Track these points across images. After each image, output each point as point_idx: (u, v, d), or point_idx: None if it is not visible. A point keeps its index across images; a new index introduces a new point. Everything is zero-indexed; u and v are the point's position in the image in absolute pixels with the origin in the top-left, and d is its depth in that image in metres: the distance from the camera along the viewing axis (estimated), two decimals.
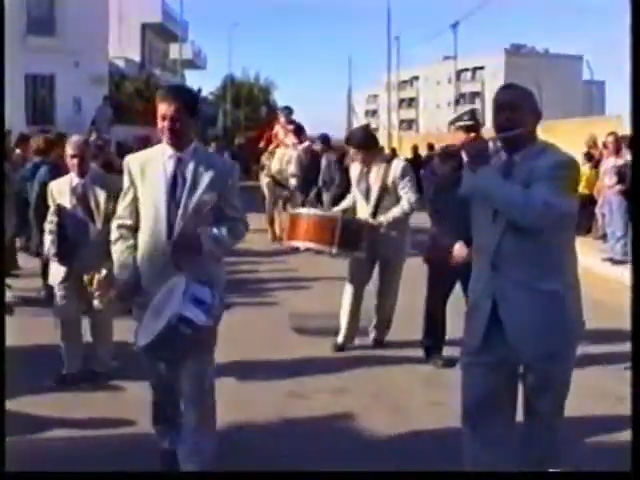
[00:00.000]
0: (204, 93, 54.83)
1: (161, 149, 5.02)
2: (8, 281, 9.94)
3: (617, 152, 14.44)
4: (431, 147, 29.68)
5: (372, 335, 8.43)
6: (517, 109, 4.27)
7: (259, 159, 18.03)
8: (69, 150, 7.01)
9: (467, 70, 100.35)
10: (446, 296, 7.56)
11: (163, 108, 4.79)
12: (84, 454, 5.47)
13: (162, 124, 4.81)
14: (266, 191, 16.59)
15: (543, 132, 4.95)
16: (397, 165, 8.16)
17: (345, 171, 13.77)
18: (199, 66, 62.89)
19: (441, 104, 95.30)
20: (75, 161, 6.95)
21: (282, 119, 16.81)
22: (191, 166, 4.93)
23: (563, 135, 16.30)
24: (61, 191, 7.03)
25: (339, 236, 7.66)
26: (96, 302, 7.09)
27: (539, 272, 4.21)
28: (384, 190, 8.07)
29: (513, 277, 4.25)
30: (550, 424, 4.42)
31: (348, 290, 8.24)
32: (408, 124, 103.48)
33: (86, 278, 7.05)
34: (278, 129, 16.84)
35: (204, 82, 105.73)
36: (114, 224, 5.17)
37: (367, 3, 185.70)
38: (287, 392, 6.87)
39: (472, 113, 6.90)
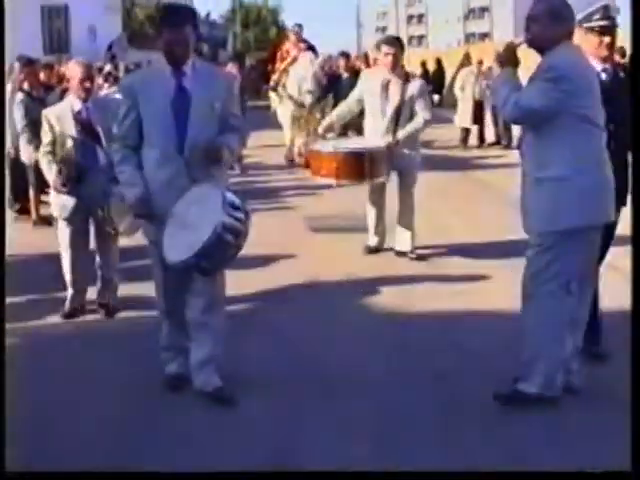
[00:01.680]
0: (213, 16, 54.79)
1: (159, 67, 5.15)
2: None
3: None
4: (439, 62, 29.74)
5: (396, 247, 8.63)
6: (536, 20, 4.90)
7: (269, 79, 17.42)
8: (74, 73, 6.71)
9: None
10: None
11: (167, 33, 4.92)
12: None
13: (167, 48, 4.93)
14: (282, 110, 15.92)
15: None
16: (415, 84, 8.41)
17: None
18: None
19: (450, 19, 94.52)
20: (82, 84, 6.66)
21: (293, 37, 16.23)
22: (192, 79, 5.03)
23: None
24: (60, 117, 6.68)
25: (369, 169, 7.86)
26: (122, 228, 6.50)
27: (536, 164, 4.90)
28: (401, 105, 8.23)
29: (524, 169, 5.04)
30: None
31: (370, 198, 8.67)
32: (418, 40, 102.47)
33: (103, 210, 6.54)
34: (289, 47, 16.08)
35: (213, 5, 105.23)
36: (116, 145, 5.23)
37: None
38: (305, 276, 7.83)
39: (605, 10, 5.61)
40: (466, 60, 20.18)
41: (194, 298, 5.19)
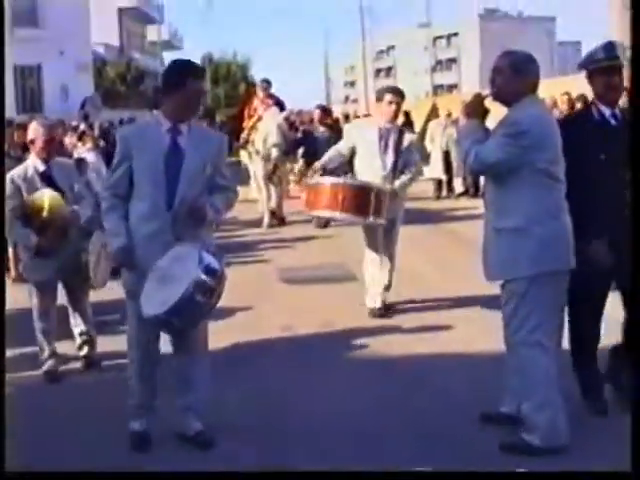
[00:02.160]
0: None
1: (156, 121, 5.28)
2: None
3: (571, 109, 15.32)
4: (407, 114, 29.91)
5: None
6: (500, 72, 5.06)
7: (239, 136, 17.31)
8: (37, 134, 6.73)
9: (442, 37, 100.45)
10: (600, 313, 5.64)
11: (192, 84, 5.07)
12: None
13: (191, 99, 5.10)
14: (254, 169, 15.93)
15: None
16: (409, 135, 8.57)
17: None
18: (176, 47, 63.10)
19: (418, 71, 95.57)
20: (46, 145, 6.71)
21: (260, 93, 16.00)
22: (187, 137, 5.14)
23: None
24: (27, 179, 6.66)
25: (374, 205, 7.67)
26: (97, 277, 6.79)
27: (496, 213, 5.08)
28: (398, 156, 8.25)
29: (486, 218, 5.21)
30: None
31: (369, 256, 8.41)
32: None
33: (91, 259, 6.75)
34: (257, 103, 15.91)
35: None
36: (106, 193, 5.26)
37: None
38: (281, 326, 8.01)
39: (609, 48, 5.37)
40: (433, 111, 20.51)
41: (176, 349, 5.32)
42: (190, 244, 5.03)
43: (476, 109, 5.25)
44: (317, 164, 8.50)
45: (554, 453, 4.85)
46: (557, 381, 5.02)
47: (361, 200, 7.68)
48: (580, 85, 17.45)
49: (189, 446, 5.26)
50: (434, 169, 19.01)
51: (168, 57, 61.10)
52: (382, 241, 8.37)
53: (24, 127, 13.39)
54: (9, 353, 7.06)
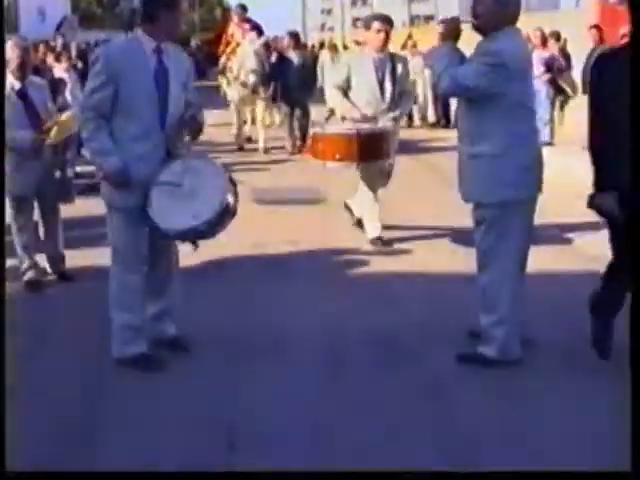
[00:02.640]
0: None
1: (137, 41, 5.32)
2: None
3: (543, 45, 15.52)
4: None
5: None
6: (481, 2, 5.19)
7: (215, 60, 17.82)
8: (13, 54, 6.93)
9: None
10: None
11: (173, 11, 5.22)
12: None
13: (173, 25, 5.26)
14: (231, 94, 15.94)
15: None
16: (401, 62, 8.36)
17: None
18: None
19: (395, 1, 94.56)
20: (21, 65, 6.97)
21: (236, 18, 16.18)
22: (168, 58, 5.27)
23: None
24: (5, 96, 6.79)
25: (386, 148, 7.85)
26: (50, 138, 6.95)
27: (472, 140, 5.27)
28: (394, 85, 8.20)
29: (460, 144, 5.44)
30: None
31: (367, 193, 8.42)
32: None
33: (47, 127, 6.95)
34: (234, 29, 15.99)
35: None
36: (89, 114, 5.23)
37: None
38: (252, 244, 8.42)
39: None
40: (408, 42, 20.54)
41: (152, 266, 5.51)
42: (201, 159, 5.50)
43: (451, 32, 5.40)
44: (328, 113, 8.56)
45: (507, 365, 5.26)
46: (518, 303, 5.35)
47: (375, 146, 7.84)
48: (557, 21, 17.89)
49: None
50: None
51: None
52: (379, 176, 8.45)
53: None
54: None
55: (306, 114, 15.76)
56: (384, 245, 8.34)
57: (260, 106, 15.90)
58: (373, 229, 8.48)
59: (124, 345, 5.45)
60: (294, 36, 16.73)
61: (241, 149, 15.73)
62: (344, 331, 6.09)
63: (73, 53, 14.55)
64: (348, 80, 8.29)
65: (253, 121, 16.73)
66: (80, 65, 14.32)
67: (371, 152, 7.83)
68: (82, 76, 13.26)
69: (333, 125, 8.22)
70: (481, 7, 5.20)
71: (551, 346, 5.66)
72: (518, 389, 5.15)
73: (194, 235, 5.19)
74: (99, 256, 6.65)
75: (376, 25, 8.23)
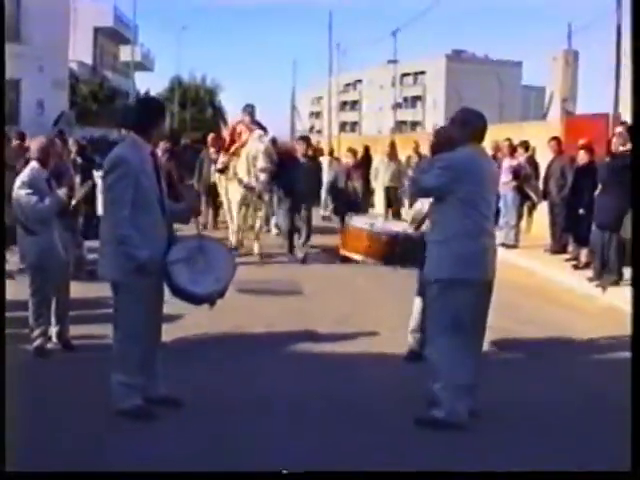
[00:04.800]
0: (152, 94, 55.29)
1: (138, 144, 6.23)
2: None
3: (512, 154, 16.66)
4: (367, 149, 30.11)
5: None
6: (453, 123, 6.40)
7: (203, 159, 18.38)
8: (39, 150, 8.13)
9: (409, 75, 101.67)
10: None
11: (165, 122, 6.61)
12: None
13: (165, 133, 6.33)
14: (231, 195, 15.44)
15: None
16: None
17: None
18: (147, 68, 63.53)
19: (384, 107, 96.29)
20: (48, 157, 8.17)
21: (246, 118, 15.41)
22: (159, 159, 6.62)
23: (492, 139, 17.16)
24: (32, 183, 7.92)
25: (396, 252, 8.26)
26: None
27: (430, 228, 6.53)
28: None
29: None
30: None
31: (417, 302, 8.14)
32: (351, 126, 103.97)
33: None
34: (241, 128, 15.39)
35: (152, 84, 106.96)
36: (125, 210, 5.97)
37: (311, 7, 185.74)
38: (233, 325, 9.28)
39: None
40: (391, 148, 21.05)
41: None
42: (208, 241, 6.64)
43: (439, 147, 6.63)
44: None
45: (455, 428, 5.87)
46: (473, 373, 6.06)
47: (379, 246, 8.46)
48: (526, 132, 18.83)
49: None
50: (378, 204, 20.33)
51: (139, 77, 61.64)
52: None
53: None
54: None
55: (309, 218, 15.28)
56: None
57: (262, 212, 15.45)
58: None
59: (123, 399, 6.17)
60: (306, 140, 16.21)
61: (237, 250, 14.65)
62: (319, 404, 6.68)
63: (73, 149, 14.93)
64: None
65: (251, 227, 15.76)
66: (80, 161, 14.66)
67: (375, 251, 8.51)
68: (82, 172, 13.89)
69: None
70: (444, 130, 6.60)
71: None
72: None
73: (218, 296, 6.29)
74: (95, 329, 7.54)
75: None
